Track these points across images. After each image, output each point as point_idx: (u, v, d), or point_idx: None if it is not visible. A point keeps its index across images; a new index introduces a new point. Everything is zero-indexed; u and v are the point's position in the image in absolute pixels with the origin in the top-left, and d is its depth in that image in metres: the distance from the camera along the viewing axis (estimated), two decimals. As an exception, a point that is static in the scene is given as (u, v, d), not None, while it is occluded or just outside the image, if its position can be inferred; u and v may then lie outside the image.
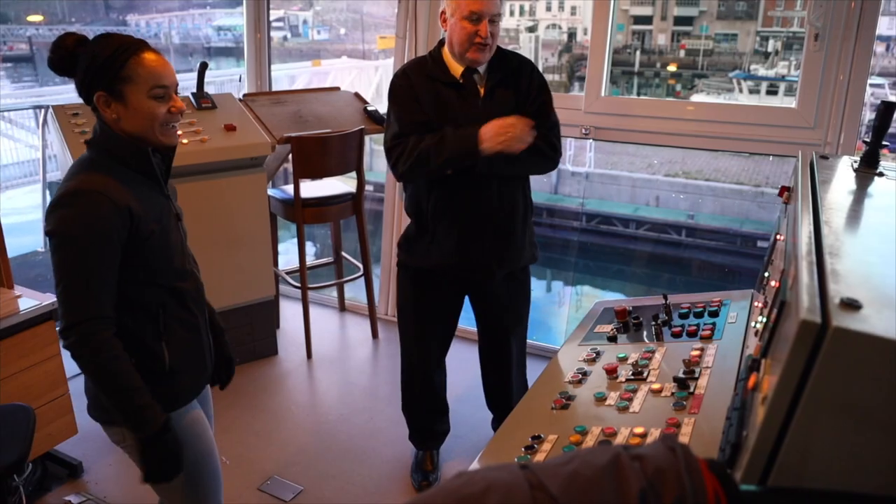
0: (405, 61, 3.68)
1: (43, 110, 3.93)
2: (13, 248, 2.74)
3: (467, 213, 2.32)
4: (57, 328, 1.48)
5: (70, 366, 1.63)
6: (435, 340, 2.62)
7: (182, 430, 1.65)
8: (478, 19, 2.17)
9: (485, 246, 2.35)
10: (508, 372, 2.69)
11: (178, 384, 1.67)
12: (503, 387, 2.72)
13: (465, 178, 2.27)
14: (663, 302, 1.80)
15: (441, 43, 2.33)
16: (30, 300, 2.53)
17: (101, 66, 1.50)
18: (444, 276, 2.45)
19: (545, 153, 2.32)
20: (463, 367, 3.15)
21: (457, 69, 2.28)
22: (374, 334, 3.90)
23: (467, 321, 2.78)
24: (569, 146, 8.81)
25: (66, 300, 1.47)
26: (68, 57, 1.53)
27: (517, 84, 2.32)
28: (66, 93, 5.17)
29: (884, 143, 1.55)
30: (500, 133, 2.13)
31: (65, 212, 1.47)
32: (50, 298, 2.52)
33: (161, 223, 1.59)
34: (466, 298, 2.62)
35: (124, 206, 1.49)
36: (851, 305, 0.76)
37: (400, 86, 2.29)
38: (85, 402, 1.69)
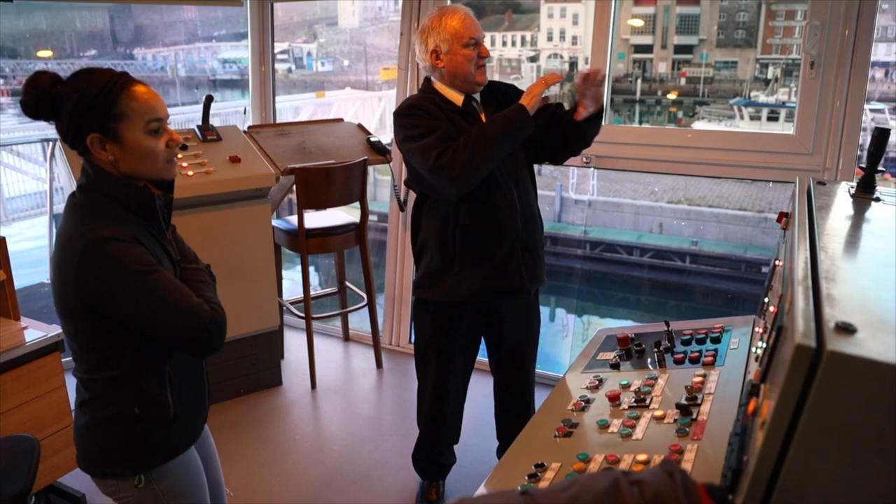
0: (407, 92, 3.75)
1: (50, 143, 3.99)
2: (19, 280, 2.76)
3: (494, 235, 2.31)
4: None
5: (75, 397, 1.62)
6: (457, 379, 2.57)
7: (179, 478, 1.61)
8: (476, 43, 2.28)
9: (516, 265, 2.34)
10: (527, 399, 2.67)
11: (180, 430, 1.60)
12: (521, 415, 2.64)
13: (486, 202, 2.28)
14: (665, 329, 1.80)
15: (427, 80, 2.37)
16: (36, 332, 2.55)
17: (92, 105, 1.39)
18: (467, 308, 2.42)
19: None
20: (468, 396, 3.14)
21: (456, 99, 2.31)
22: (379, 364, 3.89)
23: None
24: (571, 174, 8.87)
25: (178, 318, 1.44)
26: (46, 98, 1.41)
27: (511, 104, 2.36)
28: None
29: (880, 168, 1.57)
30: (535, 86, 2.20)
31: (95, 259, 1.39)
32: (56, 330, 2.53)
33: (165, 268, 1.53)
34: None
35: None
36: (846, 329, 0.77)
37: (417, 114, 2.28)
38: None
